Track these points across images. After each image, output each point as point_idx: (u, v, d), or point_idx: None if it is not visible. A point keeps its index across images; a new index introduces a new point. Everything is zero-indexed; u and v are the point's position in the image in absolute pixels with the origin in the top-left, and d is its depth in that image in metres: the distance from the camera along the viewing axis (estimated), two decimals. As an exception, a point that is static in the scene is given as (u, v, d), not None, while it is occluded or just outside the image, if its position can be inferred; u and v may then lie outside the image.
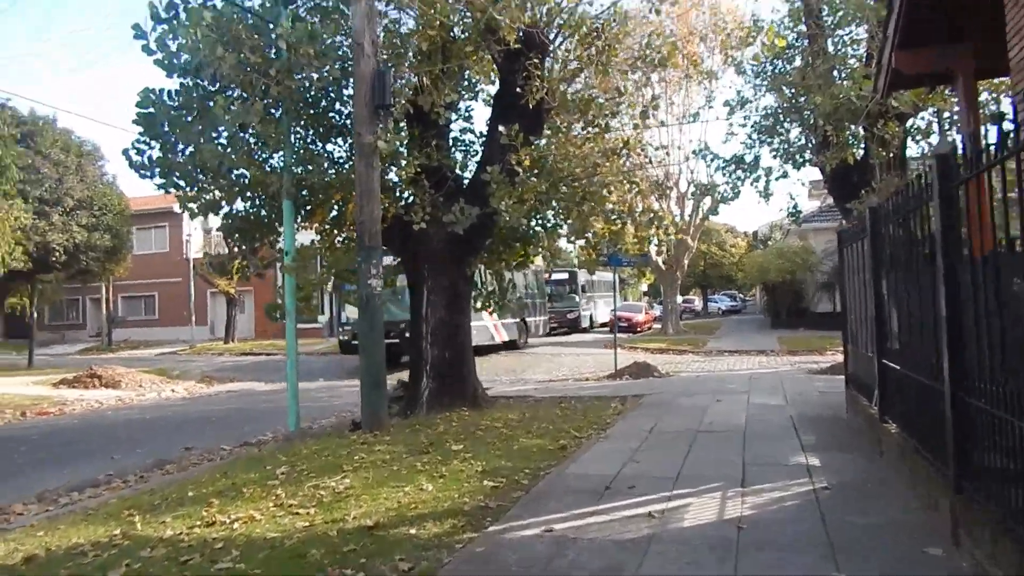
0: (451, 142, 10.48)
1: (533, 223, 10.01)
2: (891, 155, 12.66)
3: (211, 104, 8.02)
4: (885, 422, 5.96)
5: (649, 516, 4.60)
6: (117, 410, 13.87)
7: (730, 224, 54.28)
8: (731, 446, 6.71)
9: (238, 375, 19.95)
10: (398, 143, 8.33)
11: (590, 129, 10.16)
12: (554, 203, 9.54)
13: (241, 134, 8.54)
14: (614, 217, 10.99)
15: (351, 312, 16.06)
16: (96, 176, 26.16)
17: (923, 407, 4.60)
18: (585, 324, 33.67)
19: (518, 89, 8.78)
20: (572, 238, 10.91)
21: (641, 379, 13.55)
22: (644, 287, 62.46)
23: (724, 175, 14.67)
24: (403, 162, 8.78)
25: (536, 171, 10.21)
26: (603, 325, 35.99)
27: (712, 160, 14.55)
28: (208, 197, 8.53)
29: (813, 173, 15.16)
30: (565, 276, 32.86)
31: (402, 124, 9.47)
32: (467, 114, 11.57)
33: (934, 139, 13.83)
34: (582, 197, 10.48)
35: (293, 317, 8.82)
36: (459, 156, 11.01)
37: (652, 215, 11.19)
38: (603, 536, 4.26)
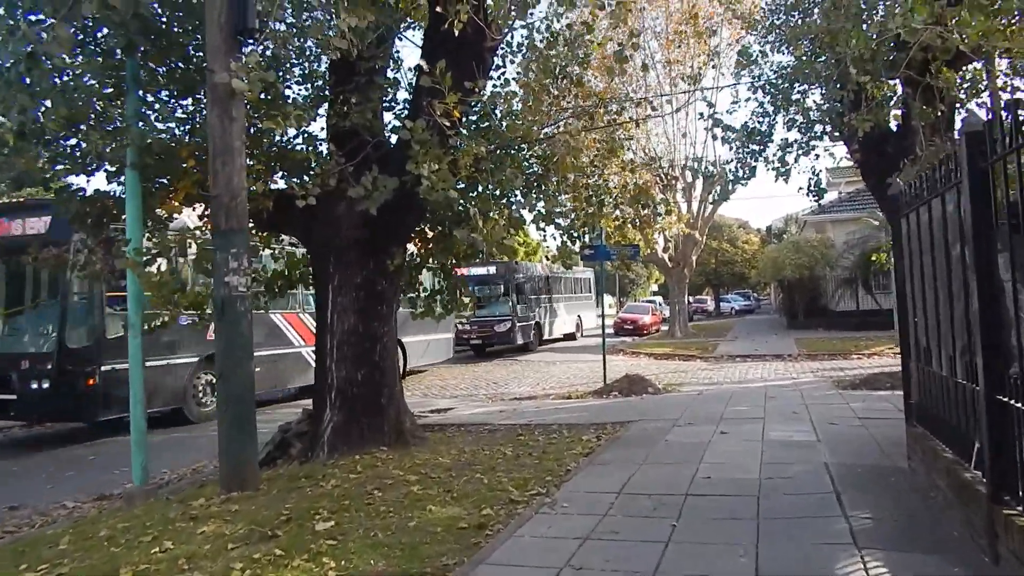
0: (381, 101, 7.91)
1: (473, 200, 7.51)
2: (939, 114, 10.02)
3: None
4: (1001, 501, 3.40)
5: None
6: None
7: (742, 219, 51.39)
8: (737, 531, 4.15)
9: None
10: (263, 85, 5.86)
11: (554, 81, 7.61)
12: (504, 173, 7.00)
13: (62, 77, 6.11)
14: (588, 193, 8.46)
15: None
16: None
17: None
18: (524, 339, 23.21)
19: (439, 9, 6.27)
20: (539, 223, 8.37)
21: (632, 397, 10.97)
22: (654, 287, 59.76)
23: (733, 148, 12.04)
24: (294, 114, 6.29)
25: (478, 128, 7.72)
26: (566, 337, 27.82)
27: (720, 128, 11.91)
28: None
29: (833, 154, 12.44)
30: (491, 271, 23.02)
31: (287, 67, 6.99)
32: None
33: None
34: (545, 165, 7.99)
35: (138, 331, 6.39)
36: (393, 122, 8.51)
37: (639, 191, 8.62)
38: None
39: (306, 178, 7.18)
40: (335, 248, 7.24)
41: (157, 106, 6.76)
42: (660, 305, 39.88)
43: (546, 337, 25.69)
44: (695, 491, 5.08)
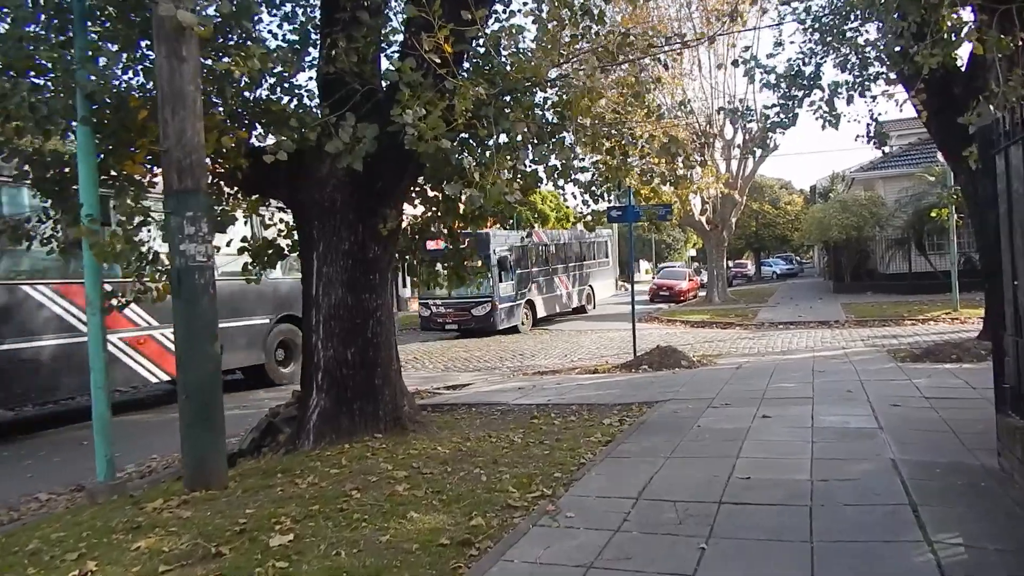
0: (372, 43, 6.90)
1: (468, 152, 6.52)
2: (1019, 44, 8.60)
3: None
4: None
5: None
6: None
7: (784, 179, 49.12)
8: (783, 560, 3.19)
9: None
10: (221, 18, 4.93)
11: (572, 16, 6.52)
12: (509, 122, 5.98)
13: None
14: (610, 144, 7.39)
15: None
16: None
17: None
18: (511, 321, 19.87)
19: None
20: (556, 179, 7.35)
21: (663, 371, 9.97)
22: (692, 251, 58.00)
23: (776, 93, 10.74)
24: (258, 54, 5.36)
25: (479, 69, 6.71)
26: (575, 311, 24.61)
27: (761, 71, 10.60)
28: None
29: (894, 96, 11.01)
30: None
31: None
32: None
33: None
34: (560, 113, 6.95)
35: (98, 309, 5.64)
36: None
37: (669, 139, 7.49)
38: None
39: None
40: (319, 211, 6.36)
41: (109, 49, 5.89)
42: (699, 271, 38.48)
43: (542, 315, 22.10)
44: (731, 498, 4.12)
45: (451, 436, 6.45)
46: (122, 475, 6.35)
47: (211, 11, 5.55)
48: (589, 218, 8.05)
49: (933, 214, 16.09)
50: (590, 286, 26.14)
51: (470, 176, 5.42)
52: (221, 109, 6.11)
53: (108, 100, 5.72)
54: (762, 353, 12.39)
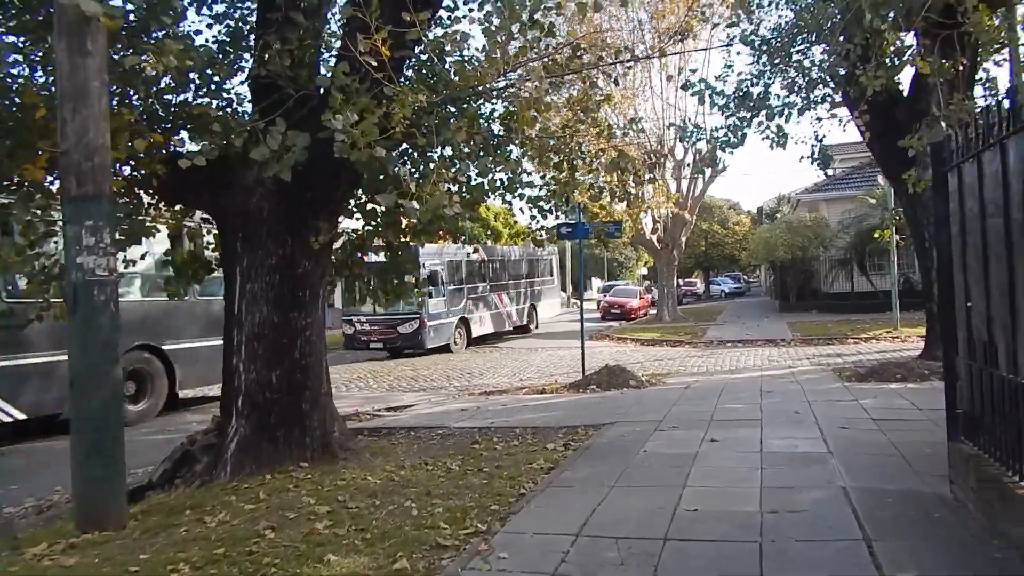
0: (308, 46, 6.48)
1: (410, 163, 6.15)
2: (959, 69, 8.72)
3: None
4: None
5: None
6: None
7: (732, 200, 50.12)
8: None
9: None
10: (131, 8, 4.48)
11: (521, 28, 6.25)
12: (448, 130, 5.65)
13: None
14: (557, 159, 7.14)
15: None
16: None
17: None
18: (440, 340, 18.55)
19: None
20: (503, 193, 7.04)
21: (612, 391, 9.71)
22: (643, 270, 58.58)
23: (724, 114, 10.72)
24: (174, 51, 4.90)
25: (421, 76, 6.41)
26: (517, 330, 23.38)
27: (708, 93, 10.55)
28: None
29: (837, 117, 11.09)
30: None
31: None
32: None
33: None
34: (506, 125, 6.67)
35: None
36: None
37: (618, 154, 7.28)
38: None
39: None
40: (243, 221, 5.90)
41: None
42: (650, 290, 38.76)
43: (477, 334, 20.76)
44: (677, 533, 3.81)
45: (384, 464, 6.02)
46: (13, 511, 5.72)
47: (125, 4, 5.14)
48: (540, 235, 7.80)
49: (876, 235, 16.40)
50: (533, 305, 24.99)
51: (406, 187, 5.07)
52: (140, 110, 5.65)
53: (3, 99, 5.19)
54: (711, 372, 12.28)
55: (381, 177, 5.67)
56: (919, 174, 8.21)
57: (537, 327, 25.10)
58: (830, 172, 10.86)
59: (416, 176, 5.24)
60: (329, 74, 5.36)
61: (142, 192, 6.38)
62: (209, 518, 4.64)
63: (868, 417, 6.61)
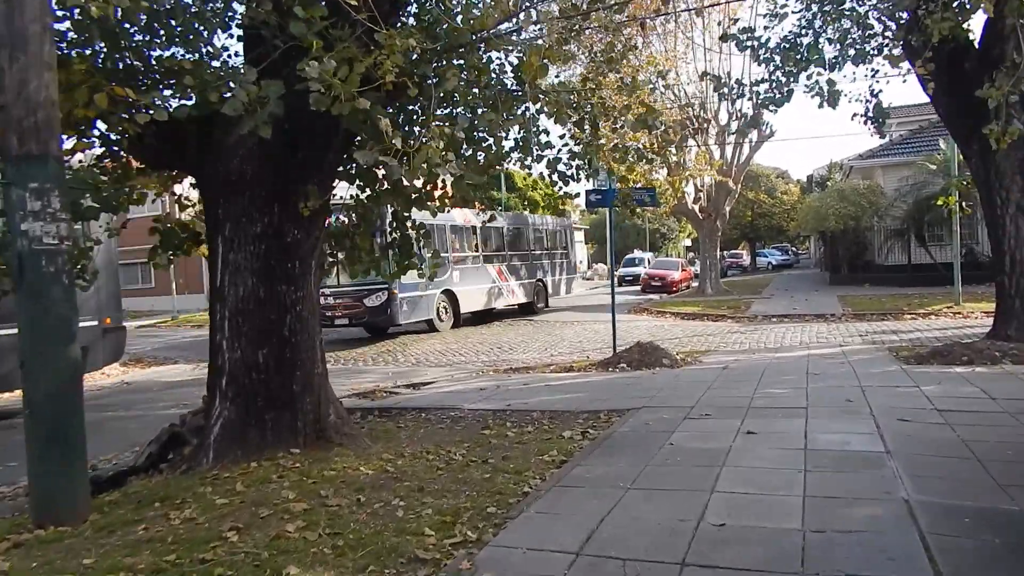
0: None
1: (405, 120, 5.44)
2: (1046, 8, 7.52)
3: None
4: None
5: None
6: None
7: (780, 168, 47.96)
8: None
9: (179, 355, 16.11)
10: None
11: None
12: (449, 83, 4.92)
13: None
14: (575, 117, 6.35)
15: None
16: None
17: None
18: (416, 315, 16.16)
19: None
20: (519, 154, 6.31)
21: (642, 370, 8.96)
22: (687, 241, 56.96)
23: (769, 69, 9.69)
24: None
25: (418, 22, 5.69)
26: (522, 308, 20.78)
27: (752, 44, 9.51)
28: None
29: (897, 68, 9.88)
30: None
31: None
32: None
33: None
34: (519, 77, 5.90)
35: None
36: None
37: (644, 112, 6.44)
38: None
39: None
40: (225, 186, 5.32)
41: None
42: (693, 262, 37.53)
43: (469, 310, 18.15)
44: (697, 557, 3.11)
45: (383, 451, 5.46)
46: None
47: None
48: (561, 203, 7.07)
49: (940, 202, 15.03)
50: (541, 281, 21.71)
51: (388, 142, 4.38)
52: (110, 63, 5.08)
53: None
54: (753, 350, 11.39)
55: (365, 135, 5.00)
56: (1001, 128, 7.13)
57: (547, 306, 22.15)
58: (885, 134, 9.69)
59: (398, 129, 4.53)
60: (301, 17, 4.68)
61: (129, 156, 5.87)
62: (175, 513, 4.14)
63: (932, 408, 5.73)
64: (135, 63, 5.27)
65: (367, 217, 6.33)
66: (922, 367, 7.77)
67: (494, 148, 6.07)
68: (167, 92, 5.63)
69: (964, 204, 15.94)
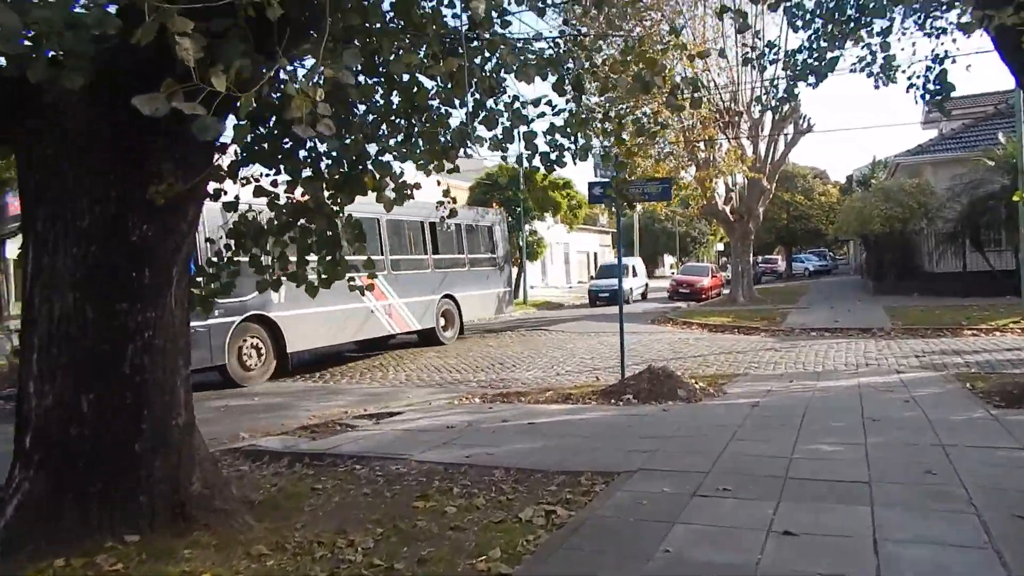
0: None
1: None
2: None
3: None
4: None
5: None
6: None
7: (819, 168, 45.24)
8: None
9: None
10: None
11: None
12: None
13: None
14: (553, 77, 4.62)
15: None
16: None
17: None
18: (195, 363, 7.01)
19: None
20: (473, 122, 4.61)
21: (650, 405, 7.17)
22: (720, 246, 54.49)
23: (810, 35, 7.86)
24: None
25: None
26: (421, 335, 14.86)
27: (789, 4, 7.69)
28: None
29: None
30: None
31: None
32: None
33: None
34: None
35: None
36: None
37: (642, 68, 4.68)
38: None
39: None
40: (40, 160, 3.74)
41: None
42: (725, 268, 35.35)
43: (301, 347, 11.80)
44: None
45: (261, 537, 3.81)
46: None
47: None
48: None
49: (1016, 198, 12.89)
50: (452, 298, 15.65)
51: (299, 97, 2.69)
52: None
53: None
54: (790, 375, 9.49)
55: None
56: None
57: (461, 332, 16.18)
58: (949, 112, 7.69)
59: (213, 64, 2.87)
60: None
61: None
62: None
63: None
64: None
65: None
66: (1018, 413, 5.84)
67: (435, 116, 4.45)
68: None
69: (1035, 203, 13.78)
